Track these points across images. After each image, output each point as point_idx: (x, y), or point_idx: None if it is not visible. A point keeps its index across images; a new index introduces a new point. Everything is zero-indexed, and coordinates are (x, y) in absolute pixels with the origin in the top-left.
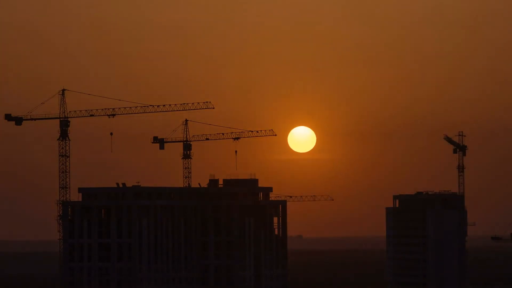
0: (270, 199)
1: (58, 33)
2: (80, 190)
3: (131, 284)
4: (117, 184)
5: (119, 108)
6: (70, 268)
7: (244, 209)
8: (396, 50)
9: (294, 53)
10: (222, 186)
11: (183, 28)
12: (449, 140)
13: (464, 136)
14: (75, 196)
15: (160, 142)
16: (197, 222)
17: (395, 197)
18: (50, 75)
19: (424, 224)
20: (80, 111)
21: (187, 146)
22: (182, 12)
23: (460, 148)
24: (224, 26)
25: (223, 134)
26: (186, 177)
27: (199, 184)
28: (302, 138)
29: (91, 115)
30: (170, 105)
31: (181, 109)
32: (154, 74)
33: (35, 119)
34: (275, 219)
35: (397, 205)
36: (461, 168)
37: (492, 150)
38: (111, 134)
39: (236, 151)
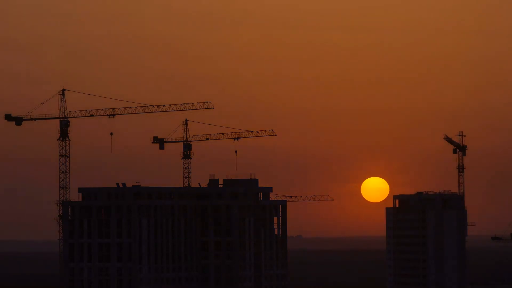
0: (270, 199)
1: (58, 33)
2: (80, 190)
3: (131, 284)
4: (117, 184)
5: (119, 108)
6: (70, 268)
7: (244, 209)
8: (396, 50)
9: (293, 53)
10: (222, 186)
11: (183, 28)
12: (449, 140)
13: (464, 136)
14: (75, 196)
15: (160, 142)
16: (197, 222)
17: (395, 197)
18: (50, 75)
19: (424, 224)
20: (80, 111)
21: (187, 146)
22: (183, 11)
23: (460, 148)
24: (225, 25)
25: (223, 134)
26: (186, 177)
27: (199, 184)
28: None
29: (91, 115)
30: (170, 105)
31: (181, 109)
32: (154, 74)
33: (35, 119)
34: (275, 219)
35: (397, 205)
36: (461, 168)
37: (492, 150)
38: (111, 134)
39: (236, 151)
